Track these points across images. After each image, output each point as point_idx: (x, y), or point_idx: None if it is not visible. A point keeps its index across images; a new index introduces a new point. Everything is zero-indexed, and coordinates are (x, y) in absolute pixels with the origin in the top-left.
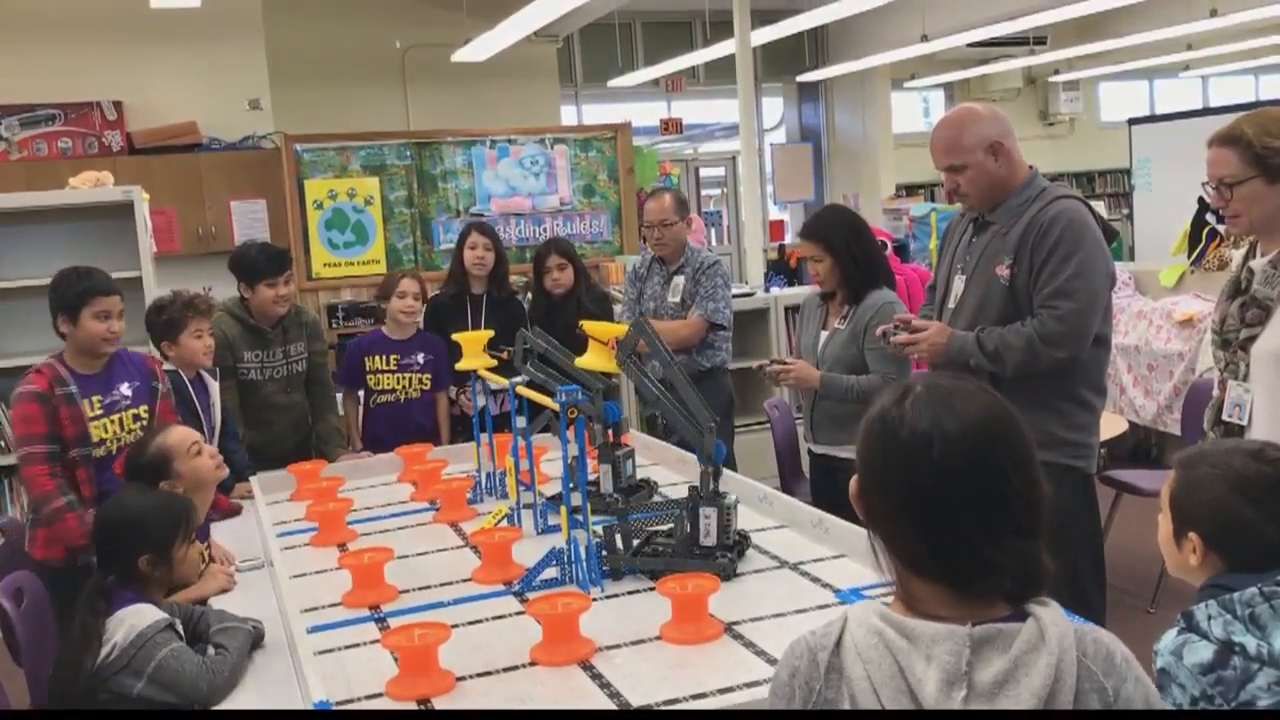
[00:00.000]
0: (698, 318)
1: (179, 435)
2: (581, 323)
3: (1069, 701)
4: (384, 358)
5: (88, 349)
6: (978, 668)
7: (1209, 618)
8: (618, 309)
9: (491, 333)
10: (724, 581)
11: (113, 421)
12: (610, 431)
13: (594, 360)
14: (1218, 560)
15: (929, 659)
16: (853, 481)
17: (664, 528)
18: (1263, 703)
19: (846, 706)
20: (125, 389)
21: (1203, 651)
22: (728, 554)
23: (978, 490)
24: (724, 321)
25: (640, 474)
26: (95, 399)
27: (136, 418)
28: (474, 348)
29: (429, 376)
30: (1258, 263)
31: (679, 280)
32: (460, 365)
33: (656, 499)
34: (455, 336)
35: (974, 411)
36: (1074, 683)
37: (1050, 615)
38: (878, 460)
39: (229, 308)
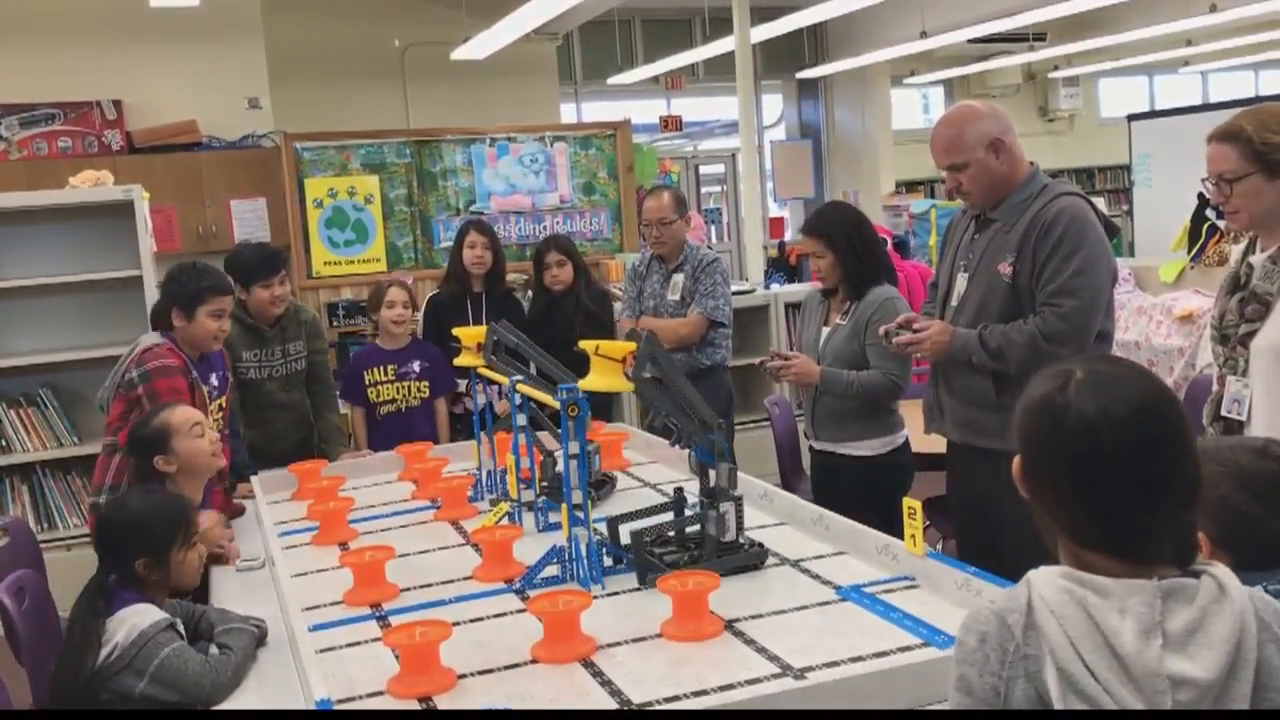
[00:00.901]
0: (697, 315)
1: (183, 414)
2: (581, 344)
3: (1253, 648)
4: (381, 369)
5: (198, 343)
6: (1169, 617)
7: None
8: (618, 307)
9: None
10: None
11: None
12: None
13: (600, 381)
14: (1225, 558)
15: (1123, 611)
16: (1015, 463)
17: (648, 523)
18: None
19: (1047, 662)
20: (215, 379)
21: None
22: (753, 544)
23: (1144, 469)
24: (724, 319)
25: (639, 471)
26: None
27: (220, 408)
28: (473, 343)
29: (427, 384)
30: (1257, 258)
31: (678, 278)
32: (459, 361)
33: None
34: (455, 331)
35: (1136, 395)
36: (1255, 632)
37: (1223, 572)
38: (1046, 444)
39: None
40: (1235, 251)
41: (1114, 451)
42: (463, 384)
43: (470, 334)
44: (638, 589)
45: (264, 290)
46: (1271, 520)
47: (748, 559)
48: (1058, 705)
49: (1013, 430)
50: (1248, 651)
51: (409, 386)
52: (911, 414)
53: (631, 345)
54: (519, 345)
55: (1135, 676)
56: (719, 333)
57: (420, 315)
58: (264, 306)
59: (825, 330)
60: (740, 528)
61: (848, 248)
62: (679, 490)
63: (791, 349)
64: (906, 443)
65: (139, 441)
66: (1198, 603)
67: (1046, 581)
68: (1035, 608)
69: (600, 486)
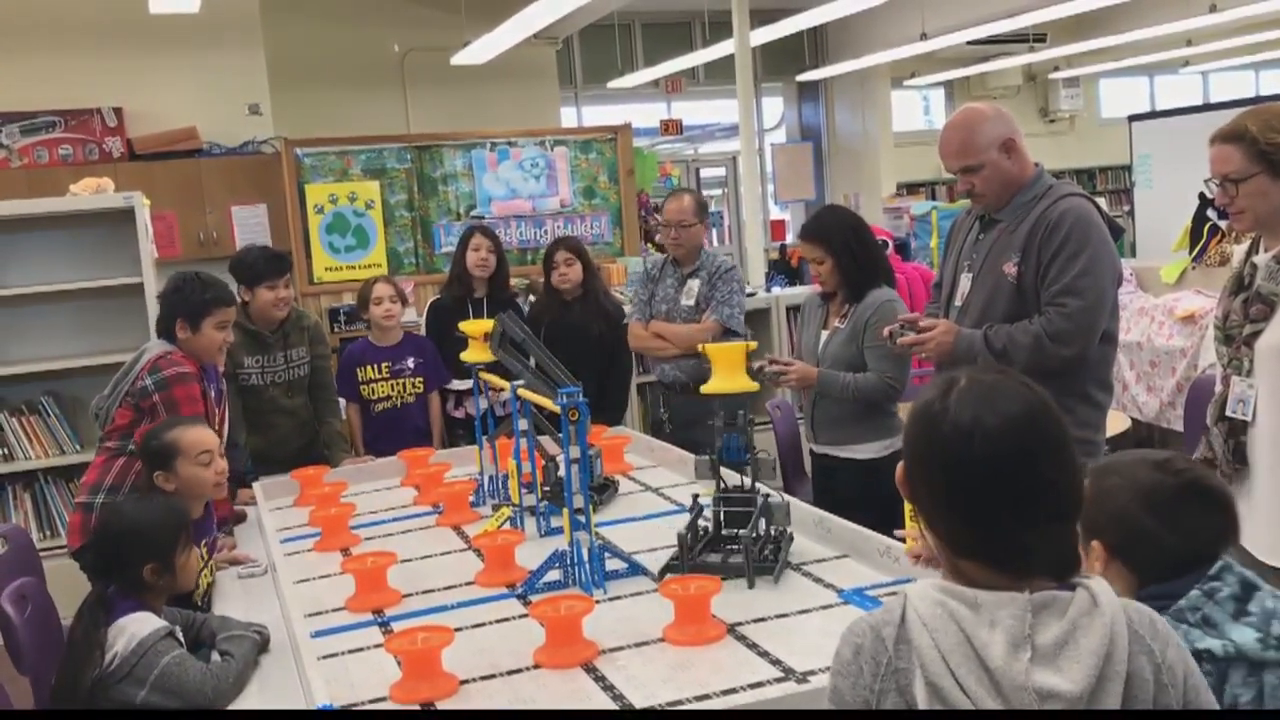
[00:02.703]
0: (712, 322)
1: (195, 437)
2: (703, 347)
3: (1123, 660)
4: (375, 366)
5: (203, 354)
6: (1039, 631)
7: None
8: (627, 309)
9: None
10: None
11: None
12: None
13: (725, 382)
14: (1123, 569)
15: (993, 624)
16: (899, 467)
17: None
18: (1244, 699)
19: (917, 675)
20: (213, 391)
21: None
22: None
23: (1017, 481)
24: (738, 327)
25: (640, 476)
26: None
27: (219, 420)
28: (479, 337)
29: (421, 379)
30: (1261, 258)
31: (693, 284)
32: (466, 356)
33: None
34: (461, 325)
35: (1014, 407)
36: (1126, 644)
37: (1098, 584)
38: (922, 450)
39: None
40: (1238, 252)
41: (986, 460)
42: (464, 385)
43: (475, 327)
44: (639, 593)
45: (269, 292)
46: (1168, 534)
47: (789, 542)
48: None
49: (907, 444)
50: (1117, 664)
51: (403, 383)
52: None
53: (747, 345)
54: (525, 340)
55: (1003, 690)
56: (732, 340)
57: (423, 318)
58: (268, 309)
59: (824, 333)
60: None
61: (845, 251)
62: (695, 497)
63: (792, 352)
64: None
65: (146, 452)
66: (1069, 616)
67: (921, 594)
68: (909, 621)
69: (602, 491)
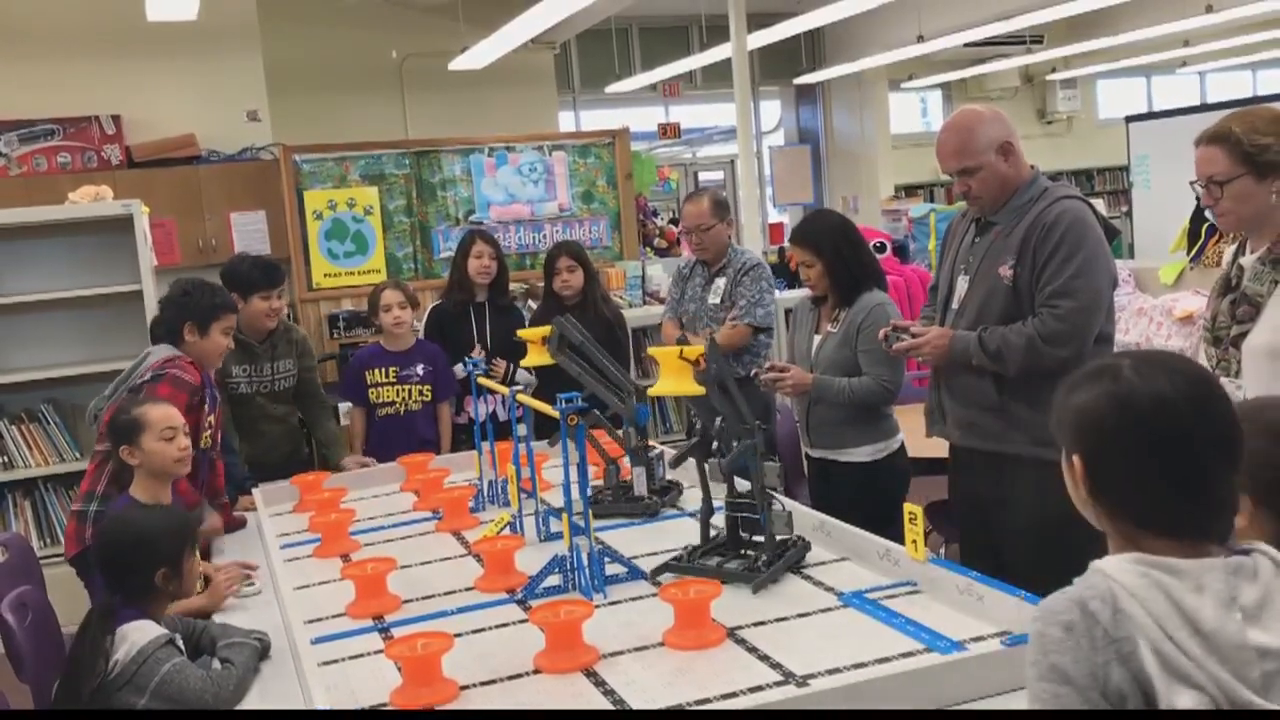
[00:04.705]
0: (744, 324)
1: (160, 414)
2: (650, 350)
3: None
4: (383, 370)
5: (207, 358)
6: (1240, 593)
7: None
8: (660, 310)
9: (550, 328)
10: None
11: (207, 424)
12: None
13: (671, 385)
14: (1267, 517)
15: (1199, 589)
16: (1077, 469)
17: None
18: None
19: (1141, 645)
20: (209, 397)
21: None
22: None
23: (1216, 438)
24: (771, 323)
25: None
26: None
27: (210, 424)
28: (538, 341)
29: (429, 387)
30: (1247, 259)
31: (720, 282)
32: (526, 361)
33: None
34: (520, 333)
35: (1193, 371)
36: None
37: (1266, 548)
38: (1122, 430)
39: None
40: (1226, 253)
41: (1192, 424)
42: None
43: (533, 334)
44: (640, 598)
45: (263, 302)
46: None
47: (799, 551)
48: (1158, 685)
49: (1067, 438)
50: None
51: (410, 390)
52: (909, 418)
53: (700, 349)
54: (583, 343)
55: (1222, 650)
56: (760, 339)
57: (422, 323)
58: (259, 319)
59: (817, 338)
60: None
61: (835, 255)
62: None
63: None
64: (902, 447)
65: (113, 427)
66: (1262, 578)
67: (1120, 568)
68: (1117, 593)
69: (665, 493)
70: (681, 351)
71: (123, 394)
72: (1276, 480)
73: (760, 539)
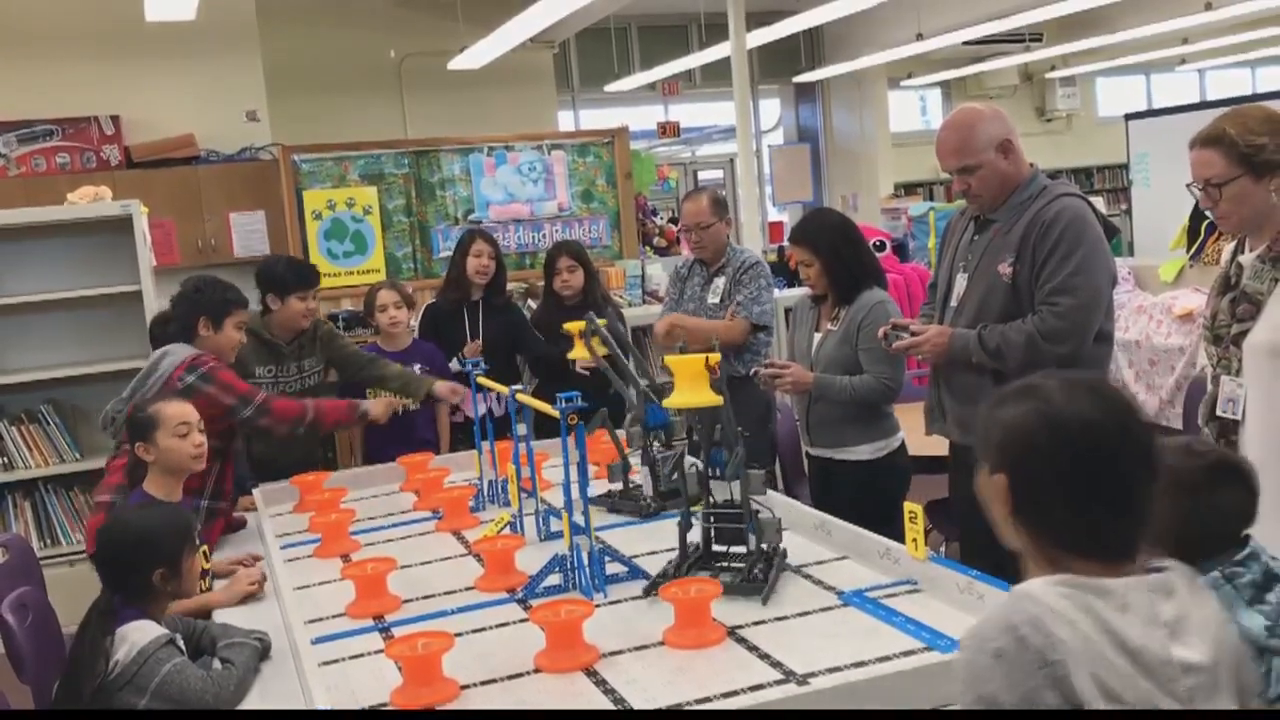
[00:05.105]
0: (741, 320)
1: (174, 410)
2: (666, 360)
3: (1232, 635)
4: None
5: (221, 353)
6: (1161, 610)
7: None
8: (660, 310)
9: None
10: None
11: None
12: (662, 434)
13: (689, 396)
14: (1163, 556)
15: (1124, 608)
16: (994, 481)
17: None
18: None
19: (1074, 668)
20: None
21: None
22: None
23: (1139, 459)
24: (769, 322)
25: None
26: None
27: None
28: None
29: None
30: (1246, 257)
31: (719, 281)
32: (571, 354)
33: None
34: (566, 326)
35: (1115, 393)
36: (1224, 617)
37: (1179, 565)
38: (1048, 449)
39: (247, 321)
40: (1225, 252)
41: (1117, 445)
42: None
43: (577, 327)
44: (640, 597)
45: (299, 302)
46: (1205, 511)
47: (783, 557)
48: (1090, 705)
49: (993, 455)
50: (1230, 637)
51: None
52: (909, 417)
53: (716, 356)
54: (618, 338)
55: (1149, 667)
56: (759, 338)
57: (416, 321)
58: (295, 319)
59: (817, 336)
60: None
61: (833, 254)
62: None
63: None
64: (903, 445)
65: (130, 424)
66: (1178, 595)
67: (1046, 591)
68: (1045, 618)
69: (674, 495)
70: (707, 360)
71: (150, 399)
72: (1172, 523)
73: (740, 549)
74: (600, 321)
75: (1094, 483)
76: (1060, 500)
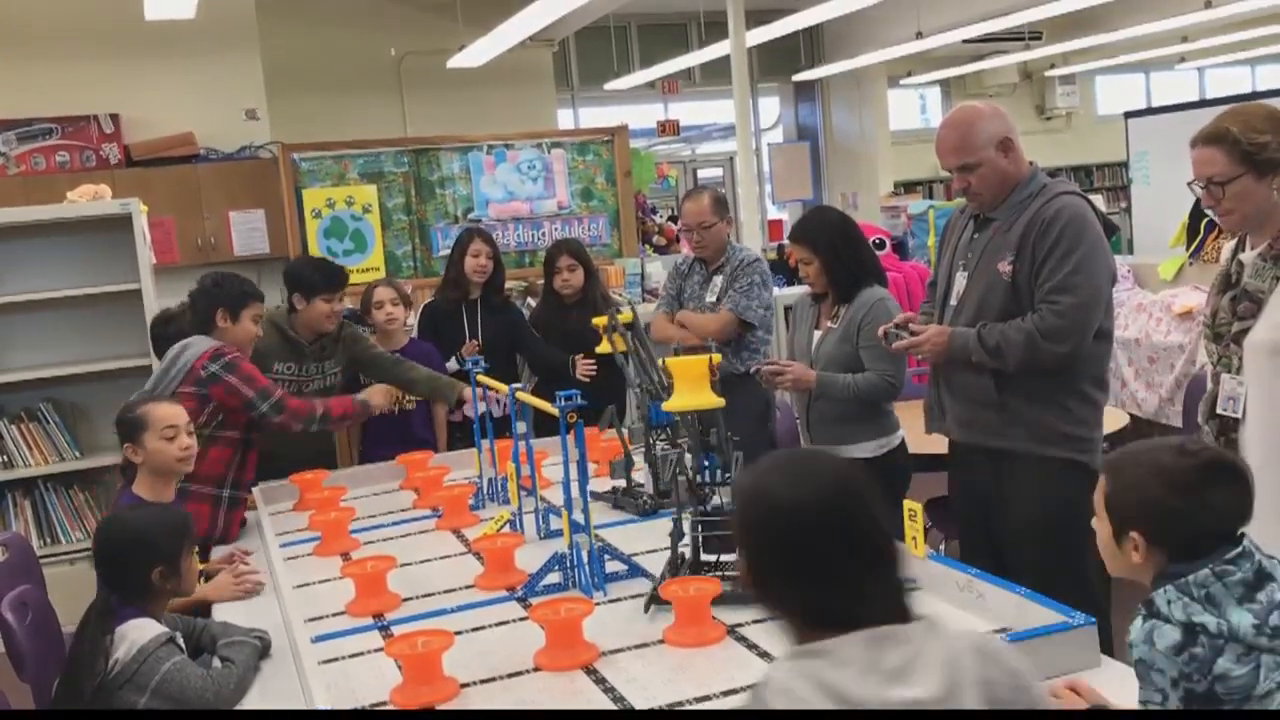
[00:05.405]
0: (727, 312)
1: (163, 412)
2: (666, 361)
3: (972, 668)
4: None
5: (239, 344)
6: (883, 659)
7: (1168, 602)
8: (655, 305)
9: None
10: None
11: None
12: (667, 431)
13: (689, 399)
14: (1159, 555)
15: (841, 664)
16: (743, 567)
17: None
18: (1236, 674)
19: None
20: None
21: (1170, 634)
22: None
23: (840, 533)
24: (755, 320)
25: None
26: None
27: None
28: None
29: None
30: (1247, 255)
31: (718, 280)
32: (601, 349)
33: None
34: (595, 320)
35: (830, 467)
36: (975, 655)
37: (935, 616)
38: (769, 527)
39: (273, 316)
40: (1225, 250)
41: (812, 527)
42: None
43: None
44: (639, 595)
45: (325, 304)
46: (1197, 511)
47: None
48: None
49: (742, 533)
50: (968, 671)
51: None
52: (909, 415)
53: (716, 357)
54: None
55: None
56: (754, 335)
57: (415, 320)
58: (321, 320)
59: (817, 334)
60: None
61: (832, 252)
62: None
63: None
64: (903, 444)
65: (120, 424)
66: (912, 642)
67: (775, 669)
68: (765, 694)
69: (667, 495)
70: (710, 360)
71: (172, 391)
72: (1167, 522)
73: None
74: (621, 316)
75: (798, 558)
76: (777, 576)
